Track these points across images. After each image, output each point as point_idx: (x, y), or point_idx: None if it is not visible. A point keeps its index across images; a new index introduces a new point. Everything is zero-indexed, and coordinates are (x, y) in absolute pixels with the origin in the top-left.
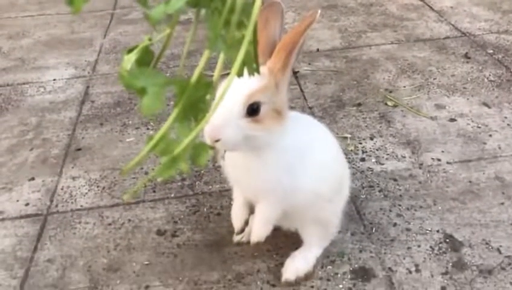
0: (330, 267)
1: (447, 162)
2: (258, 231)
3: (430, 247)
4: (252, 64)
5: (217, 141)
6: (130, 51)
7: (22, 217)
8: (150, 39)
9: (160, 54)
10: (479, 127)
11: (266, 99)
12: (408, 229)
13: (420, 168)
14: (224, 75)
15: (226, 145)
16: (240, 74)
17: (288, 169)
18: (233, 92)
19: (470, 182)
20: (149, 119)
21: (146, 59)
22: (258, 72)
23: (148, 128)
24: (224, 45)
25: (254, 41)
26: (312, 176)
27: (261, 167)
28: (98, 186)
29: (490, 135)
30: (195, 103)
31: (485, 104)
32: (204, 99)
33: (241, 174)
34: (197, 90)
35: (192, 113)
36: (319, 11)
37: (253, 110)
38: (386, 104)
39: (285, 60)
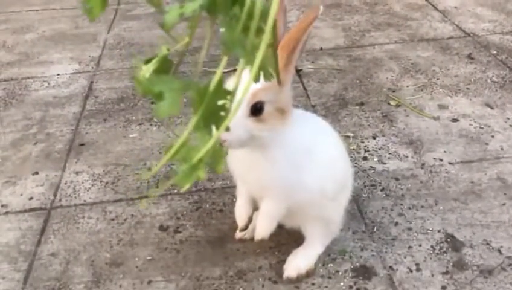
0: (331, 265)
1: (449, 162)
2: (263, 228)
3: (431, 246)
4: (270, 69)
5: (222, 142)
6: (148, 60)
7: (25, 211)
8: (168, 49)
9: (178, 64)
10: (482, 128)
11: (269, 98)
12: (409, 229)
13: (422, 168)
14: (228, 72)
15: (232, 146)
16: (256, 80)
17: (293, 166)
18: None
19: (472, 182)
20: (153, 116)
21: (164, 68)
22: (279, 79)
23: (151, 124)
24: (242, 51)
25: (273, 48)
26: (317, 174)
27: (266, 165)
28: (101, 182)
29: (492, 136)
30: (215, 111)
31: (488, 105)
32: (225, 108)
33: (246, 172)
34: (217, 97)
35: (212, 121)
36: (322, 7)
37: (256, 110)
38: (388, 103)
39: (288, 58)
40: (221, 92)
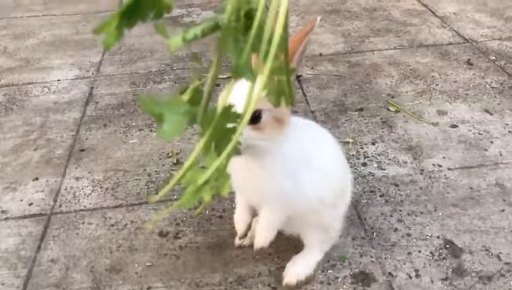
0: (331, 271)
1: (448, 168)
2: (262, 237)
3: (430, 253)
4: (286, 93)
5: None
6: (182, 91)
7: (25, 216)
8: (199, 79)
9: (209, 96)
10: (481, 134)
11: (267, 106)
12: (408, 235)
13: (421, 173)
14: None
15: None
16: (277, 104)
17: (291, 175)
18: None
19: (471, 188)
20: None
21: (197, 99)
22: (292, 101)
23: (151, 130)
24: (249, 73)
25: (287, 72)
26: (315, 182)
27: (264, 174)
28: (101, 187)
29: (491, 142)
30: (225, 134)
31: (487, 111)
32: (234, 130)
33: (244, 181)
34: (225, 120)
35: (221, 144)
36: (319, 19)
37: (254, 118)
38: (388, 109)
39: None
40: (229, 114)
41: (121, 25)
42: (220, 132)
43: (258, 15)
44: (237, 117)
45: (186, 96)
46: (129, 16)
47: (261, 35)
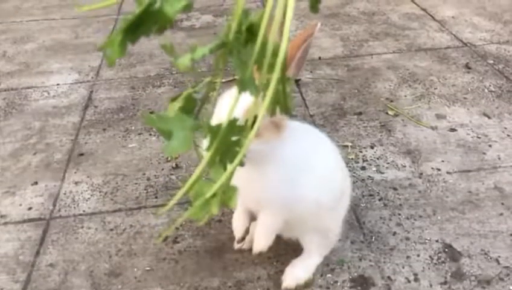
0: (330, 275)
1: (447, 172)
2: (261, 241)
3: (429, 256)
4: (282, 103)
5: None
6: (174, 99)
7: (24, 221)
8: (193, 87)
9: (203, 103)
10: (479, 138)
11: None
12: (407, 239)
13: (420, 177)
14: (227, 82)
15: None
16: (272, 113)
17: (289, 180)
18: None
19: (470, 192)
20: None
21: (189, 106)
22: (288, 110)
23: (150, 134)
24: (254, 87)
25: (283, 82)
26: (314, 187)
27: (262, 178)
28: (100, 192)
29: (490, 146)
30: (230, 147)
31: (485, 115)
32: (239, 143)
33: (242, 185)
34: (230, 134)
35: (226, 157)
36: (319, 25)
37: (251, 123)
38: (386, 113)
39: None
40: (235, 128)
41: (125, 40)
42: (226, 145)
43: (261, 31)
44: (242, 130)
45: (178, 104)
46: (132, 32)
47: (264, 50)
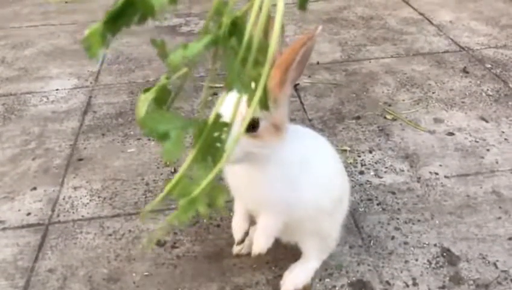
0: (328, 279)
1: (445, 176)
2: (260, 242)
3: (428, 261)
4: (265, 99)
5: None
6: (146, 90)
7: (23, 226)
8: (167, 78)
9: (177, 94)
10: (477, 142)
11: (265, 114)
12: (406, 243)
13: (418, 181)
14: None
15: (227, 163)
16: (255, 112)
17: (289, 182)
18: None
19: (468, 196)
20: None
21: (163, 98)
22: (268, 107)
23: (149, 139)
24: (240, 84)
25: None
26: (313, 190)
27: (262, 181)
28: (99, 197)
29: (488, 150)
30: (212, 143)
31: (483, 119)
32: (221, 139)
33: (243, 187)
34: (214, 130)
35: (209, 154)
36: (320, 28)
37: (252, 126)
38: (385, 117)
39: (282, 76)
40: (219, 124)
41: (105, 32)
42: (209, 142)
43: (248, 26)
44: (225, 126)
45: (151, 95)
46: (113, 23)
47: (250, 45)
